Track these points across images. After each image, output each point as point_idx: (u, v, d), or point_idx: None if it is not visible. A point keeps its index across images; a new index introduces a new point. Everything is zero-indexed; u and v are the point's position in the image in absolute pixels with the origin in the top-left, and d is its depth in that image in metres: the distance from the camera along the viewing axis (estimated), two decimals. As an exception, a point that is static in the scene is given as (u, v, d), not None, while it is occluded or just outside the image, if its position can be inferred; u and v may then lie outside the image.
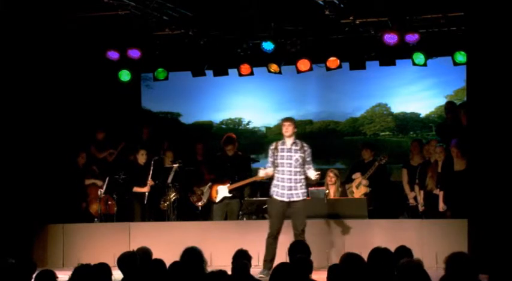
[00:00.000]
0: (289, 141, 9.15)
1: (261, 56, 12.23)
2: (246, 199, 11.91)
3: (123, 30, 11.75)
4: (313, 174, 9.08)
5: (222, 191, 11.01)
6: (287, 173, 9.10)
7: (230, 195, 10.99)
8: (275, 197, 9.18)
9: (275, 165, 9.17)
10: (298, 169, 9.10)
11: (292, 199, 9.09)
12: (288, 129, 9.12)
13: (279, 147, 9.16)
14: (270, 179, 11.44)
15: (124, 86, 13.13)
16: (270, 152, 9.23)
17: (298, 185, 9.11)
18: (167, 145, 12.63)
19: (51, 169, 11.38)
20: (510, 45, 8.63)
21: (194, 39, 12.06)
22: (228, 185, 10.98)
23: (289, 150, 9.12)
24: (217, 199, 11.03)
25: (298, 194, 9.11)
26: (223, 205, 11.02)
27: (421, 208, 10.61)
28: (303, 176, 9.15)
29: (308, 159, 9.15)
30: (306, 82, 13.31)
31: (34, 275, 5.89)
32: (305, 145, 9.22)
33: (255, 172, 11.52)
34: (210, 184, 11.28)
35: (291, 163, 9.09)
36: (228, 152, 11.12)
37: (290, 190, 9.09)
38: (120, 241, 10.48)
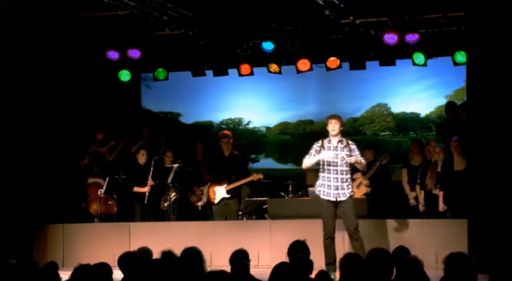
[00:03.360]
0: (335, 139, 8.94)
1: (261, 56, 12.23)
2: (246, 198, 11.93)
3: (123, 30, 11.75)
4: (354, 158, 8.86)
5: (220, 191, 10.98)
6: (333, 173, 8.89)
7: (228, 195, 10.96)
8: (322, 197, 8.96)
9: (321, 164, 8.96)
10: (344, 168, 8.90)
11: (339, 199, 8.90)
12: (334, 127, 8.91)
13: (326, 145, 8.94)
14: (260, 180, 11.49)
15: (124, 86, 13.12)
16: (317, 148, 8.96)
17: (345, 184, 8.91)
18: (164, 141, 12.63)
19: (51, 169, 11.39)
20: (510, 45, 8.63)
21: (194, 39, 12.06)
22: (226, 185, 10.96)
23: (336, 148, 8.92)
24: (216, 200, 11.01)
25: (345, 193, 8.91)
26: (222, 206, 11.00)
27: (421, 208, 10.61)
28: (349, 175, 8.99)
29: (355, 153, 8.93)
30: (306, 82, 13.31)
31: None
32: (350, 142, 9.04)
33: (251, 172, 11.59)
34: (208, 184, 11.26)
35: (337, 162, 8.88)
36: (224, 151, 11.07)
37: (337, 189, 8.88)
38: (120, 241, 10.48)
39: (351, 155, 8.86)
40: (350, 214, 8.95)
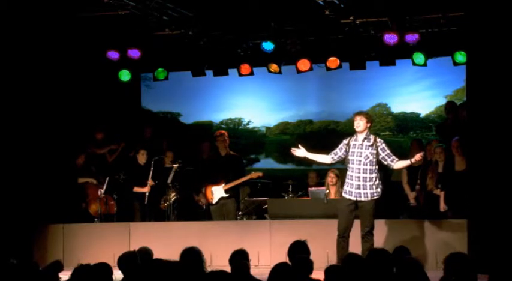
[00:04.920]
0: (360, 136, 8.68)
1: (261, 56, 12.23)
2: (246, 198, 11.93)
3: (123, 30, 11.75)
4: (405, 162, 8.73)
5: (218, 191, 10.94)
6: (356, 171, 8.62)
7: (227, 195, 10.93)
8: (343, 195, 8.78)
9: (347, 161, 8.76)
10: (368, 167, 8.61)
11: (359, 199, 8.63)
12: (359, 124, 8.67)
13: (351, 142, 8.69)
14: (260, 179, 11.48)
15: (124, 86, 13.13)
16: (341, 145, 8.79)
17: (368, 184, 8.61)
18: (166, 144, 12.63)
19: (51, 169, 11.38)
20: (510, 45, 8.64)
21: (194, 39, 12.06)
22: (223, 185, 10.93)
23: (360, 146, 8.64)
24: (214, 200, 10.97)
25: (367, 193, 8.62)
26: (220, 206, 10.97)
27: (413, 203, 10.71)
28: (374, 175, 8.64)
29: (385, 152, 8.66)
30: (306, 82, 13.32)
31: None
32: (378, 140, 8.74)
33: (250, 171, 11.59)
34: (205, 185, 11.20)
35: (360, 160, 8.62)
36: (220, 150, 11.04)
37: (358, 188, 8.61)
38: (120, 241, 10.48)
39: (372, 157, 8.64)
40: (366, 216, 8.70)
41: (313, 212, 10.25)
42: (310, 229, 9.68)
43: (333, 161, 9.01)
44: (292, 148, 9.06)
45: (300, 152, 9.00)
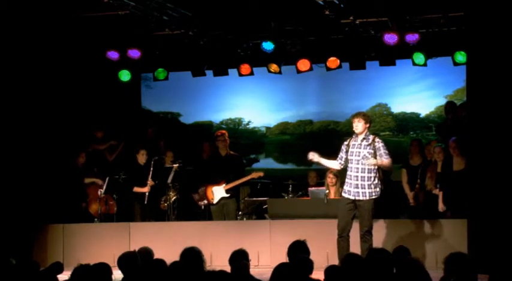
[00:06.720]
0: (360, 137, 8.77)
1: (261, 56, 12.23)
2: (246, 198, 11.92)
3: (123, 30, 11.76)
4: (373, 161, 8.66)
5: (218, 191, 10.93)
6: (354, 170, 8.71)
7: (228, 195, 10.92)
8: (343, 194, 8.85)
9: (347, 161, 8.83)
10: (366, 166, 8.67)
11: (357, 198, 8.68)
12: (357, 126, 8.77)
13: (351, 143, 8.80)
14: (260, 179, 11.48)
15: (124, 86, 13.13)
16: (343, 147, 8.89)
17: (367, 183, 8.67)
18: (163, 144, 12.62)
19: (51, 168, 11.39)
20: (510, 45, 8.64)
21: (194, 39, 12.06)
22: (224, 185, 10.93)
23: (359, 146, 8.74)
24: (215, 200, 10.96)
25: (365, 193, 8.67)
26: (220, 206, 10.96)
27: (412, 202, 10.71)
28: (373, 174, 8.71)
29: (379, 152, 8.69)
30: (306, 82, 13.32)
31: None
32: (377, 140, 8.80)
33: (251, 171, 11.60)
34: (205, 185, 11.19)
35: (358, 160, 8.70)
36: (220, 150, 11.04)
37: (357, 187, 8.68)
38: (120, 241, 10.48)
39: (370, 156, 8.67)
40: (364, 216, 8.72)
41: (313, 212, 10.25)
42: (310, 229, 9.68)
43: (342, 166, 9.07)
44: (311, 153, 9.04)
45: (316, 157, 9.03)
